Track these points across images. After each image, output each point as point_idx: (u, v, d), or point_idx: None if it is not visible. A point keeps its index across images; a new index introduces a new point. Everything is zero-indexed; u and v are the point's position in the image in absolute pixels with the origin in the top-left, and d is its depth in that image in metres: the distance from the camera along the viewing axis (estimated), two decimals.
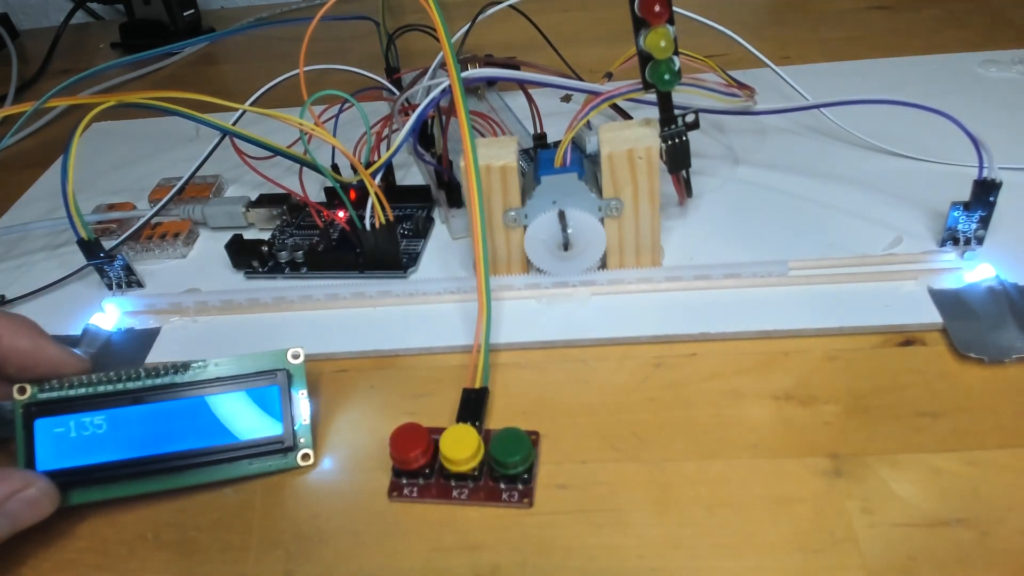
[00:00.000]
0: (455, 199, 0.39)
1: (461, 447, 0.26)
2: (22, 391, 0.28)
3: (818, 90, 0.41)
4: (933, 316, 0.31)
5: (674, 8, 0.31)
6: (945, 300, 0.32)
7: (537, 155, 0.34)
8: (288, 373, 0.29)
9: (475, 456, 0.26)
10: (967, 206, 0.33)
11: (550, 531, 0.26)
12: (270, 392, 0.29)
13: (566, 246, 0.33)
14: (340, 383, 0.32)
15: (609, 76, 0.41)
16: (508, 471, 0.26)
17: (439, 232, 0.40)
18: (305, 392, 0.29)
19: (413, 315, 0.35)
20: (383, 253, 0.36)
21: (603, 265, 0.35)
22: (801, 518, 0.25)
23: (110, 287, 0.38)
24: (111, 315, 0.36)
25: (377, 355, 0.33)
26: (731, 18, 0.45)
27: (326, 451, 0.29)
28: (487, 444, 0.27)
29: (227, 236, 0.39)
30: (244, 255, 0.38)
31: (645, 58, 0.32)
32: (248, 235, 0.40)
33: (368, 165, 0.35)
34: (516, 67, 0.48)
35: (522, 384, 0.31)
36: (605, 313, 0.33)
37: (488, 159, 0.32)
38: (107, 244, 0.38)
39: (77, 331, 0.36)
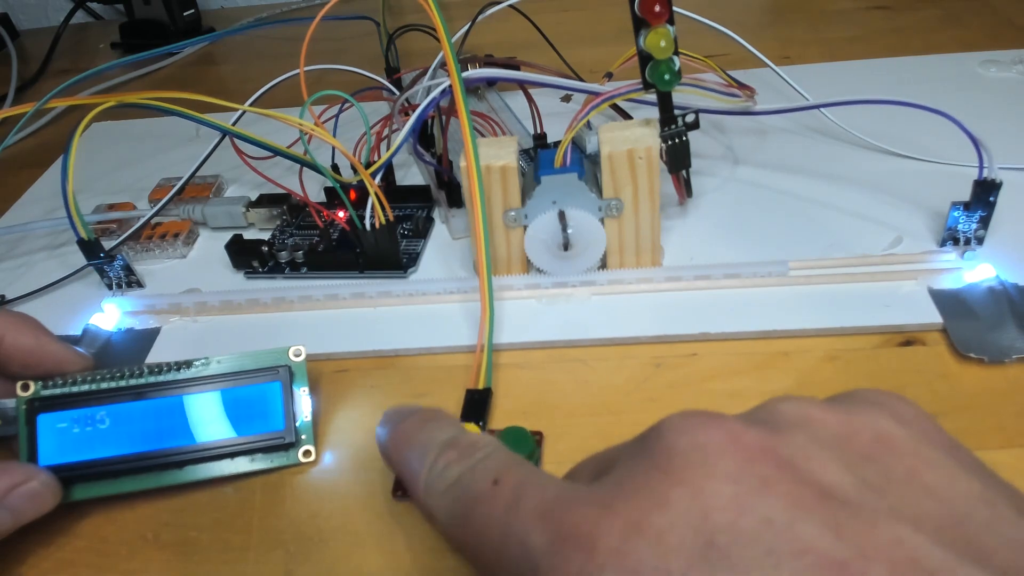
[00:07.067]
0: (455, 199, 0.39)
1: None
2: (25, 388, 0.28)
3: (818, 90, 0.41)
4: (933, 316, 0.31)
5: (674, 8, 0.31)
6: (945, 300, 0.32)
7: (537, 155, 0.34)
8: (290, 370, 0.29)
9: None
10: (967, 206, 0.33)
11: None
12: (272, 389, 0.29)
13: (566, 246, 0.33)
14: (340, 383, 0.32)
15: (609, 76, 0.41)
16: None
17: (439, 232, 0.40)
18: (307, 389, 0.29)
19: (413, 315, 0.35)
20: (383, 253, 0.36)
21: (603, 265, 0.35)
22: None
23: (110, 287, 0.38)
24: (111, 315, 0.36)
25: (377, 355, 0.33)
26: (731, 18, 0.45)
27: (326, 450, 0.29)
28: None
29: (227, 236, 0.39)
30: (244, 255, 0.38)
31: (645, 58, 0.32)
32: (248, 235, 0.40)
33: (368, 165, 0.36)
34: (516, 67, 0.48)
35: (522, 384, 0.31)
36: (605, 313, 0.33)
37: (488, 159, 0.32)
38: (107, 244, 0.38)
39: (77, 331, 0.36)
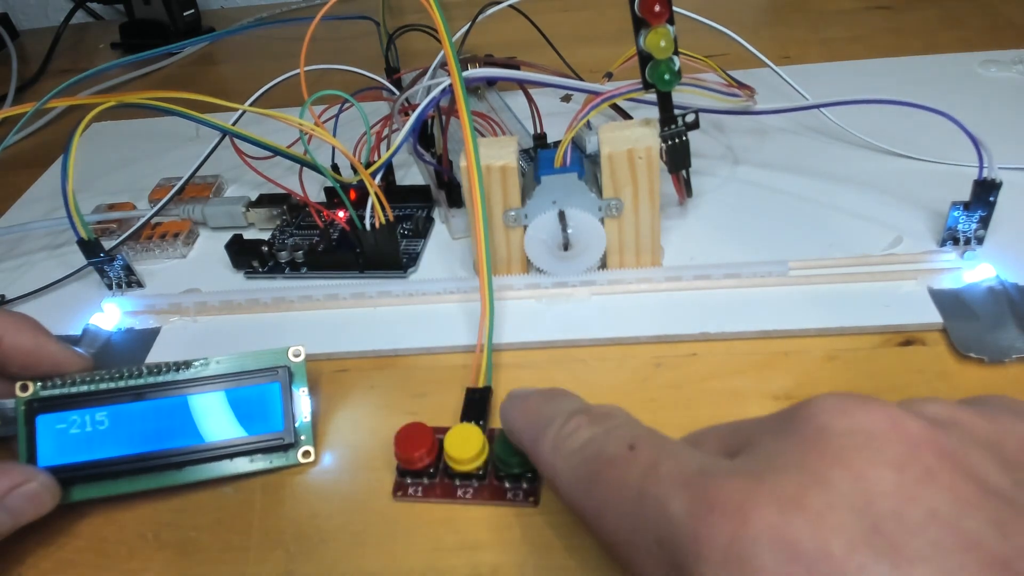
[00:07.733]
0: (455, 199, 0.39)
1: (466, 446, 0.26)
2: (24, 388, 0.28)
3: (818, 90, 0.41)
4: (933, 316, 0.31)
5: (674, 8, 0.31)
6: (945, 300, 0.32)
7: (537, 155, 0.34)
8: (289, 370, 0.29)
9: (480, 455, 0.26)
10: (967, 206, 0.33)
11: (552, 531, 0.26)
12: (271, 389, 0.29)
13: (566, 246, 0.33)
14: (340, 383, 0.32)
15: (609, 76, 0.41)
16: (513, 470, 0.26)
17: (439, 232, 0.40)
18: (306, 390, 0.29)
19: (413, 315, 0.35)
20: (383, 253, 0.36)
21: (603, 265, 0.35)
22: None
23: (110, 287, 0.38)
24: (111, 315, 0.36)
25: (377, 355, 0.33)
26: (731, 18, 0.45)
27: (326, 450, 0.29)
28: (491, 443, 0.27)
29: (227, 236, 0.39)
30: (244, 255, 0.38)
31: (645, 58, 0.32)
32: (248, 235, 0.40)
33: (368, 165, 0.36)
34: (516, 67, 0.48)
35: (522, 384, 0.31)
36: (605, 313, 0.33)
37: (488, 159, 0.32)
38: (107, 244, 0.38)
39: (77, 331, 0.36)
